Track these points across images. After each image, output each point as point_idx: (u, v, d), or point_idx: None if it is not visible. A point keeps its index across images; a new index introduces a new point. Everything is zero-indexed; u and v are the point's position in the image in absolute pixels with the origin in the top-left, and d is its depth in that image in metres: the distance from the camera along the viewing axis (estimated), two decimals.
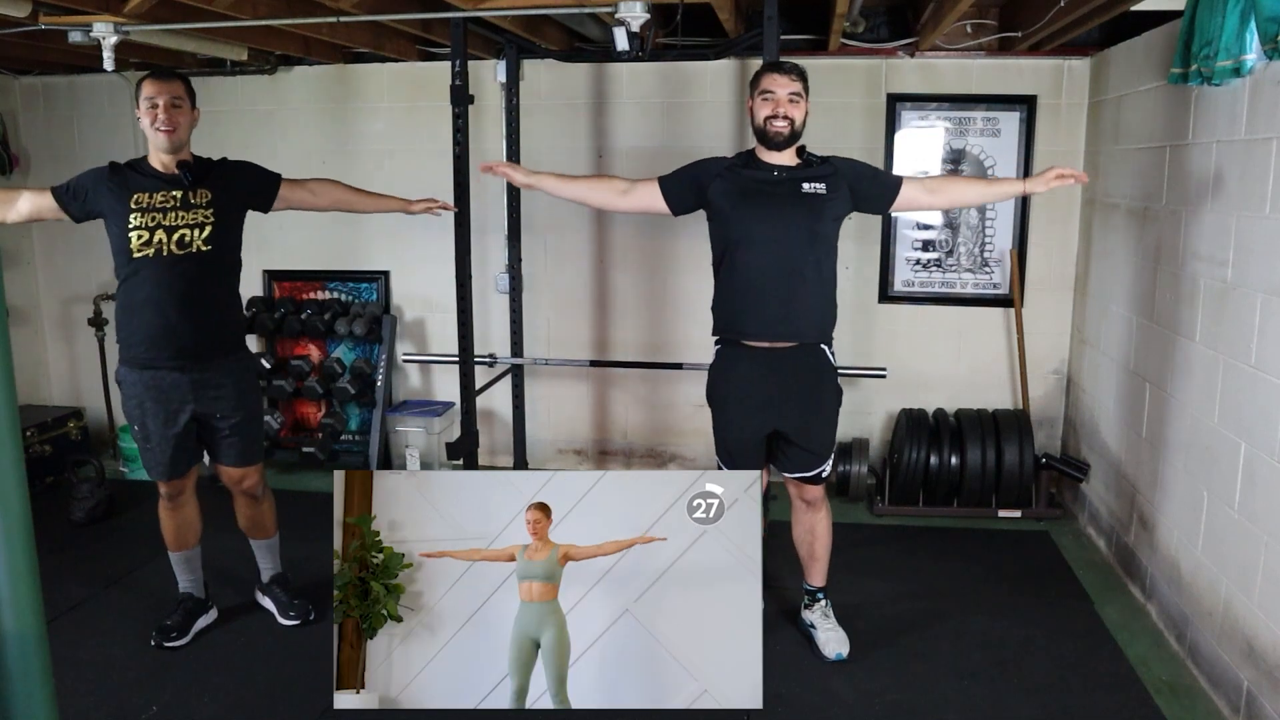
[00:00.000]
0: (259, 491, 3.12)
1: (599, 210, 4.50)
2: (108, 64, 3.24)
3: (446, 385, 4.80)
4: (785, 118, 2.72)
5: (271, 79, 4.66)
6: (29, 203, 2.89)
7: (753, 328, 2.78)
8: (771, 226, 2.74)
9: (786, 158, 2.80)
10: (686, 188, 2.88)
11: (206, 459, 3.10)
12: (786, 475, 2.95)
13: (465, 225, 3.71)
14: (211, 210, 2.85)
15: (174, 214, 2.81)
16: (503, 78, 4.34)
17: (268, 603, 3.23)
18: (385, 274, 4.80)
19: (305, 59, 4.53)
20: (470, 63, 3.69)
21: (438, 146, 4.17)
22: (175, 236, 2.80)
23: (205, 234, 2.84)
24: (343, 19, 3.22)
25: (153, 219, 2.80)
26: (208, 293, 2.88)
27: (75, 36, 3.24)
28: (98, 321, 4.88)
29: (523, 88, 4.42)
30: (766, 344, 2.78)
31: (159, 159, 2.86)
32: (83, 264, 4.98)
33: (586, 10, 3.18)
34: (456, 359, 3.87)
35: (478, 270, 3.98)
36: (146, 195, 2.81)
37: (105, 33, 3.12)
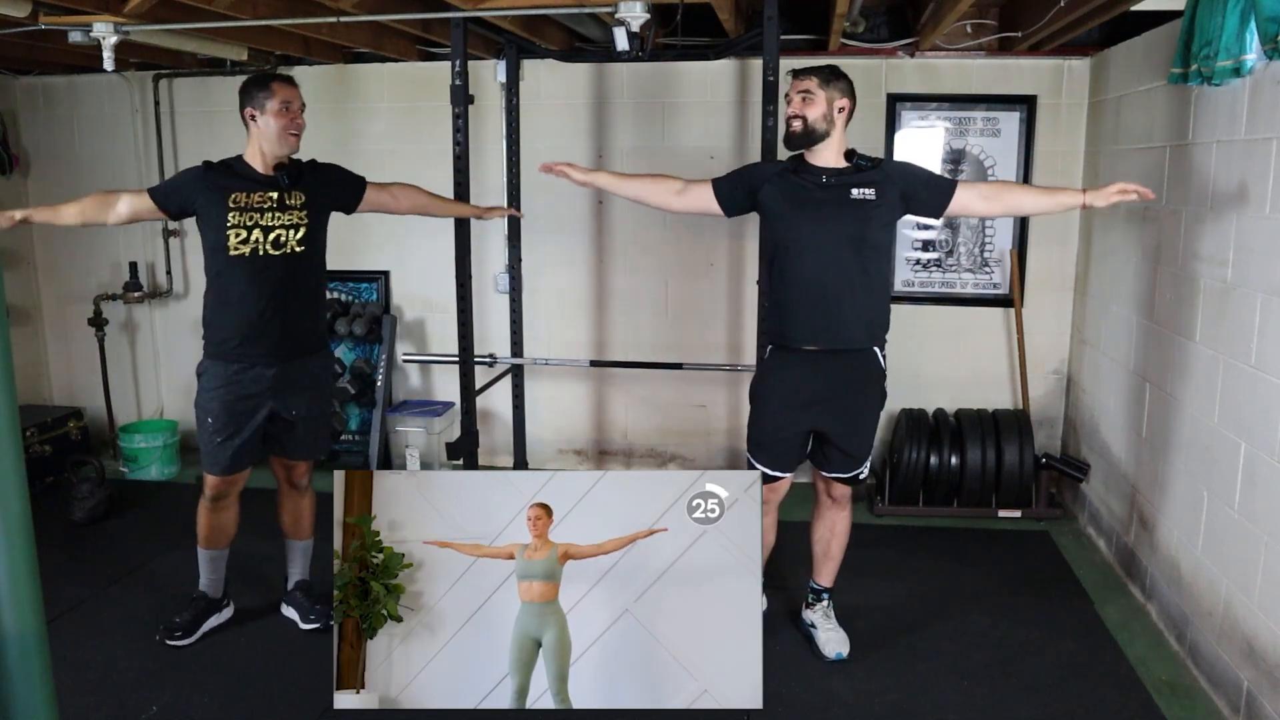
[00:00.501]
0: (304, 483, 3.16)
1: (600, 210, 4.53)
2: (108, 64, 3.24)
3: (446, 385, 4.80)
4: (797, 116, 2.74)
5: None
6: (128, 204, 2.94)
7: (800, 333, 2.79)
8: (818, 233, 2.74)
9: (833, 159, 2.79)
10: (739, 190, 2.89)
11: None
12: (824, 474, 2.95)
13: (465, 225, 3.71)
14: (306, 212, 2.91)
15: (270, 214, 2.86)
16: (503, 78, 4.34)
17: (290, 611, 3.22)
18: (385, 274, 4.80)
19: (305, 59, 4.53)
20: (470, 63, 3.69)
21: (438, 146, 4.17)
22: (271, 237, 2.86)
23: (300, 235, 2.90)
24: (343, 19, 3.22)
25: (250, 219, 2.84)
26: (299, 292, 2.94)
27: (75, 36, 3.24)
28: (98, 321, 4.88)
29: (523, 88, 4.42)
30: (813, 348, 2.79)
31: (259, 159, 2.90)
32: (83, 264, 4.99)
33: (586, 10, 3.18)
34: (456, 359, 3.87)
35: (478, 270, 3.98)
36: (244, 195, 2.85)
37: (105, 33, 3.12)
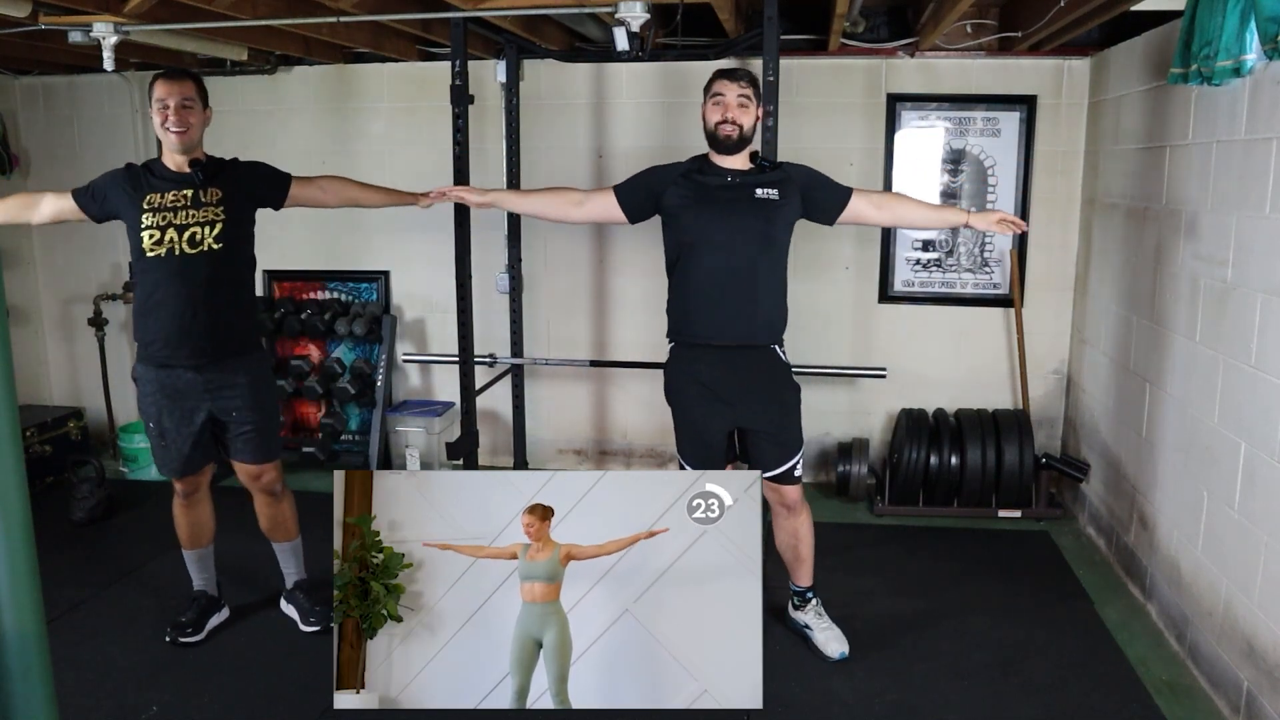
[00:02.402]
0: (277, 489, 3.11)
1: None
2: (108, 64, 3.24)
3: (446, 385, 4.80)
4: (734, 122, 2.77)
5: (271, 79, 4.66)
6: (51, 205, 2.94)
7: (706, 329, 2.82)
8: (724, 231, 2.78)
9: (739, 162, 2.85)
10: (642, 195, 2.92)
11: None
12: (765, 477, 2.94)
13: (465, 225, 3.71)
14: (222, 208, 2.86)
15: (185, 213, 2.83)
16: (503, 78, 4.34)
17: (290, 610, 3.21)
18: (385, 274, 4.80)
19: (305, 59, 4.53)
20: (470, 63, 3.69)
21: (438, 146, 4.17)
22: (186, 235, 2.82)
23: (216, 231, 2.84)
24: (343, 19, 3.22)
25: (164, 218, 2.81)
26: (220, 291, 2.88)
27: (75, 36, 3.24)
28: (98, 321, 4.88)
29: (523, 88, 4.42)
30: (719, 343, 2.82)
31: (172, 159, 2.88)
32: (83, 264, 4.99)
33: (586, 10, 3.18)
34: (456, 359, 3.87)
35: (478, 270, 3.98)
36: (159, 195, 2.83)
37: (105, 33, 3.12)
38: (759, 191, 2.80)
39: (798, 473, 2.94)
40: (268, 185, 3.04)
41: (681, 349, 2.91)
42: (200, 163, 2.88)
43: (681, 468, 2.96)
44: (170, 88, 2.80)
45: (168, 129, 2.81)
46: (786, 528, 3.02)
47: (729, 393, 2.83)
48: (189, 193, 2.84)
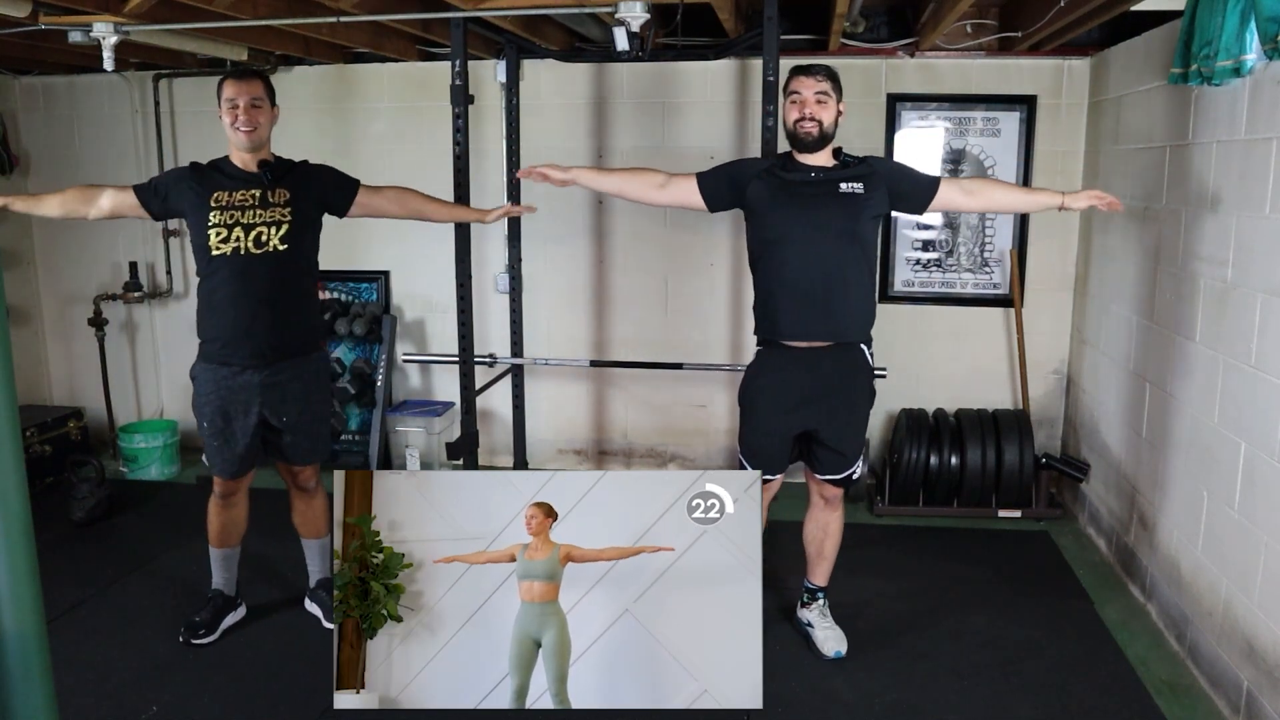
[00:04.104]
0: (311, 485, 3.12)
1: (600, 210, 4.53)
2: (108, 64, 3.24)
3: (446, 385, 4.80)
4: (813, 119, 2.73)
5: (271, 79, 4.65)
6: (110, 200, 2.92)
7: (792, 327, 2.79)
8: (810, 226, 2.75)
9: (823, 159, 2.81)
10: (725, 186, 2.89)
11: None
12: (816, 475, 2.95)
13: (466, 226, 3.70)
14: (289, 209, 2.87)
15: (252, 212, 2.83)
16: (503, 78, 4.34)
17: (314, 608, 3.21)
18: (385, 274, 4.80)
19: (305, 59, 4.53)
20: (470, 63, 3.69)
21: (438, 146, 4.17)
22: (252, 235, 2.82)
23: (282, 233, 2.85)
24: (343, 19, 3.22)
25: (231, 217, 2.82)
26: (284, 292, 2.89)
27: (75, 36, 3.24)
28: (98, 321, 4.88)
29: (523, 88, 4.42)
30: (805, 344, 2.79)
31: (239, 158, 2.88)
32: (83, 264, 4.99)
33: (586, 10, 3.17)
34: (456, 359, 3.87)
35: (478, 270, 3.98)
36: (226, 194, 2.83)
37: (105, 33, 3.12)
38: (843, 186, 2.76)
39: (855, 476, 2.93)
40: (335, 190, 3.04)
41: (768, 351, 2.87)
42: (269, 163, 2.89)
43: (741, 466, 2.94)
44: (240, 87, 2.82)
45: (237, 128, 2.82)
46: (819, 520, 3.02)
47: (806, 398, 2.80)
48: (257, 192, 2.85)
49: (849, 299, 2.77)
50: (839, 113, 2.79)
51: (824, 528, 3.02)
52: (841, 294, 2.75)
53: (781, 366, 2.82)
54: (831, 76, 2.77)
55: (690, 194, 2.90)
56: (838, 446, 2.86)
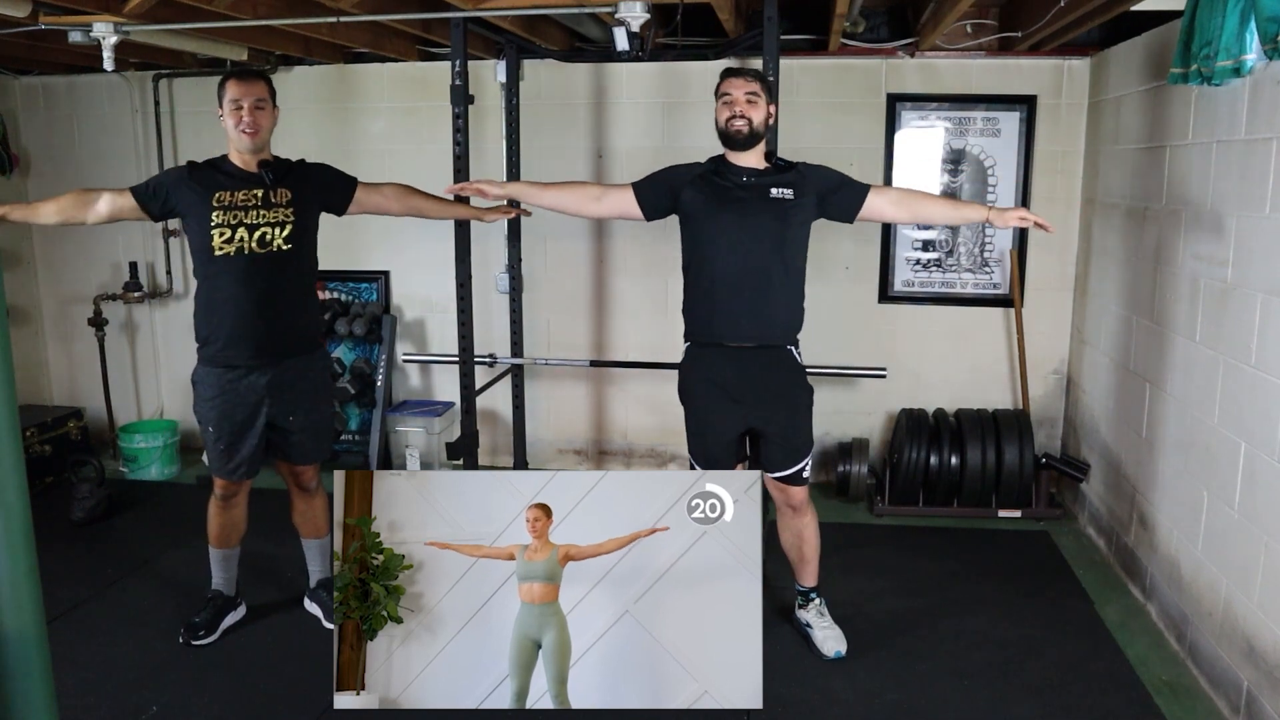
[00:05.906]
0: (311, 485, 3.12)
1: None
2: (108, 64, 3.24)
3: (446, 385, 4.80)
4: (743, 117, 2.78)
5: (271, 79, 4.64)
6: (109, 204, 2.90)
7: (722, 328, 2.84)
8: (740, 231, 2.79)
9: (754, 160, 2.86)
10: (660, 193, 2.93)
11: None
12: (770, 477, 2.96)
13: (465, 225, 3.71)
14: (292, 209, 2.87)
15: (255, 212, 2.83)
16: (503, 78, 4.34)
17: (314, 608, 3.21)
18: (385, 274, 4.80)
19: (305, 59, 4.53)
20: (470, 63, 3.69)
21: (438, 146, 4.17)
22: (256, 235, 2.82)
23: (286, 233, 2.85)
24: (343, 19, 3.22)
25: (234, 217, 2.81)
26: (287, 292, 2.90)
27: (75, 36, 3.24)
28: (98, 321, 4.88)
29: (523, 88, 4.42)
30: (735, 344, 2.83)
31: (240, 158, 2.88)
32: (83, 264, 4.99)
33: (586, 10, 3.17)
34: (456, 359, 3.87)
35: (478, 270, 3.98)
36: (228, 194, 2.83)
37: (105, 33, 3.12)
38: (774, 191, 2.81)
39: (806, 474, 2.94)
40: (334, 188, 3.04)
41: (696, 349, 2.93)
42: (269, 163, 2.89)
43: (691, 467, 2.96)
44: (244, 88, 2.82)
45: (242, 130, 2.81)
46: (791, 528, 3.03)
47: (742, 393, 2.84)
48: (259, 192, 2.85)
49: (777, 302, 2.83)
50: (769, 114, 2.85)
51: (798, 534, 3.03)
52: (769, 298, 2.81)
53: (711, 362, 2.87)
54: (761, 79, 2.84)
55: (627, 204, 2.95)
56: (783, 439, 2.88)
